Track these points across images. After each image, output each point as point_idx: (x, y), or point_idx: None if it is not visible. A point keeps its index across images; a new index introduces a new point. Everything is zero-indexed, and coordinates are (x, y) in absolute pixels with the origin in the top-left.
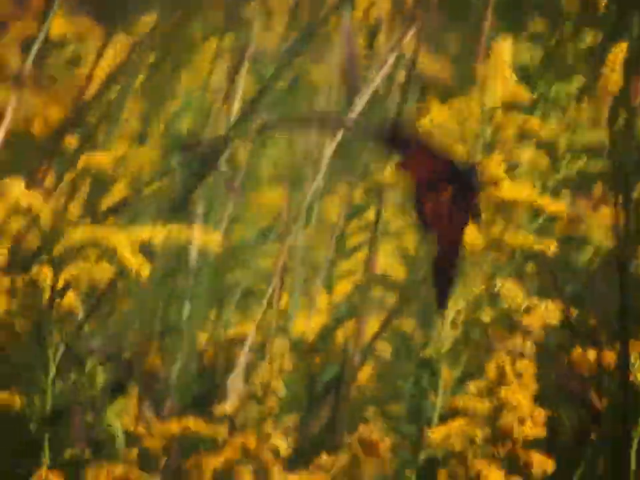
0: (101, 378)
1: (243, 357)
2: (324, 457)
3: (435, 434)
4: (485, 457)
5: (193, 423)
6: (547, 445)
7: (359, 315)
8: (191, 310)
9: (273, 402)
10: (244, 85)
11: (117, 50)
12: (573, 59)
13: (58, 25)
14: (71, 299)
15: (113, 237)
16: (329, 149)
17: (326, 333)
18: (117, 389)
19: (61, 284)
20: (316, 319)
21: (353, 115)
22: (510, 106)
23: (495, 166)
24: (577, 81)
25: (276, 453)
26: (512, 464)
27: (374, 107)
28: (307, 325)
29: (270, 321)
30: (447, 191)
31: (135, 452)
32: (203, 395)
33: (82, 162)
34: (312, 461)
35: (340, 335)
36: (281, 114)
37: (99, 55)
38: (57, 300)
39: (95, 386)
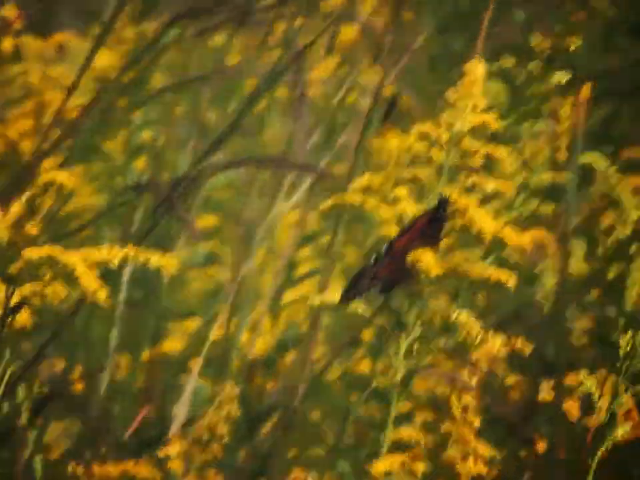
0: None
1: (189, 384)
2: None
3: (376, 468)
4: None
5: (132, 467)
6: None
7: (307, 343)
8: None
9: (218, 448)
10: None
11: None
12: (539, 99)
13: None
14: (24, 317)
15: (71, 258)
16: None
17: (270, 359)
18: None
19: (14, 301)
20: (260, 345)
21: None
22: (478, 132)
23: (460, 193)
24: (541, 122)
25: None
26: None
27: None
28: (252, 350)
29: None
30: (417, 228)
31: None
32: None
33: (42, 179)
34: None
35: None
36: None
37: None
38: (10, 317)
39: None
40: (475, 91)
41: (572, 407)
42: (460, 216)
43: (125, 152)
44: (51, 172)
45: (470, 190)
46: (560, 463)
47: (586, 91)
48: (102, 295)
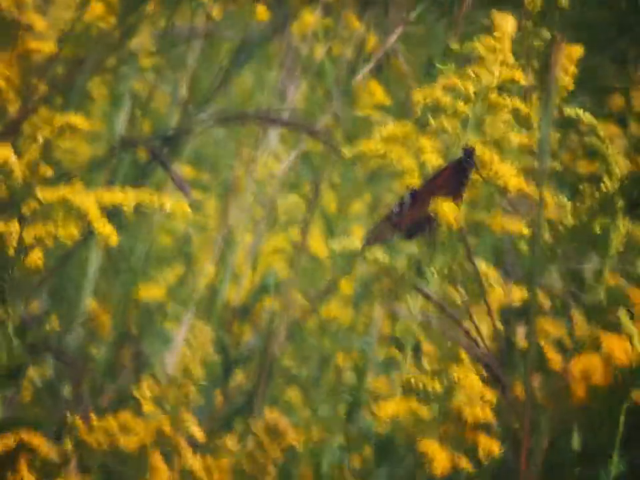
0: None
1: (179, 334)
2: (229, 441)
3: (383, 411)
4: (432, 437)
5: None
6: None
7: (286, 290)
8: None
9: (191, 388)
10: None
11: None
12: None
13: None
14: (35, 256)
15: (85, 200)
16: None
17: (249, 305)
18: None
19: (28, 241)
20: (240, 291)
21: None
22: (504, 87)
23: (485, 147)
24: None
25: (190, 438)
26: (459, 445)
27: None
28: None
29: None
30: (442, 178)
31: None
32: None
33: (57, 121)
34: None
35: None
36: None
37: None
38: (22, 256)
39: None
40: (504, 46)
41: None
42: (484, 169)
43: (111, 104)
44: (67, 114)
45: (495, 144)
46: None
47: (565, 45)
48: (114, 238)
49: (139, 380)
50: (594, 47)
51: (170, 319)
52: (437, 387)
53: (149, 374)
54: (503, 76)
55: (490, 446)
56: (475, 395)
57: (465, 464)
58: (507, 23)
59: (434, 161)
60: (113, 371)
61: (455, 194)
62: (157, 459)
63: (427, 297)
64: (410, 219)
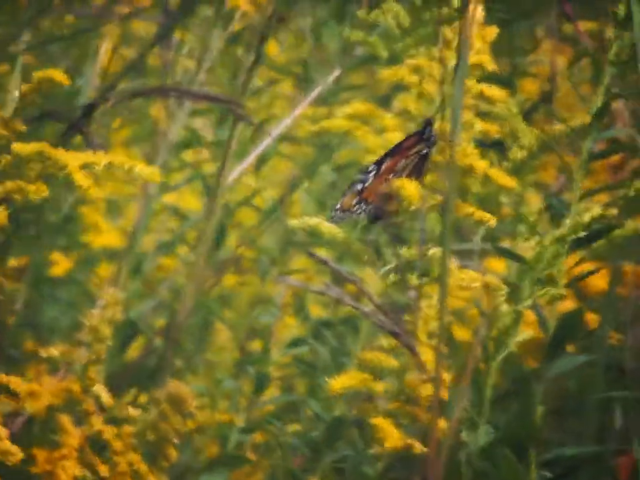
0: None
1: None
2: (132, 410)
3: (336, 384)
4: (385, 414)
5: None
6: None
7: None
8: None
9: (101, 349)
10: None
11: None
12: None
13: None
14: (2, 214)
15: (62, 155)
16: None
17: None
18: None
19: None
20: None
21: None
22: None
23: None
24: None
25: (98, 400)
26: (412, 425)
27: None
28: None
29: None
30: (404, 149)
31: None
32: None
33: (37, 75)
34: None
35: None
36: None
37: None
38: None
39: None
40: (472, 32)
41: None
42: (449, 150)
43: None
44: (48, 70)
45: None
46: None
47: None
48: (95, 192)
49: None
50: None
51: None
52: (392, 363)
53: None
54: (470, 60)
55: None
56: (429, 374)
57: (416, 443)
58: (475, 10)
59: (398, 139)
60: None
61: (417, 174)
62: (65, 421)
63: (323, 262)
64: (375, 195)
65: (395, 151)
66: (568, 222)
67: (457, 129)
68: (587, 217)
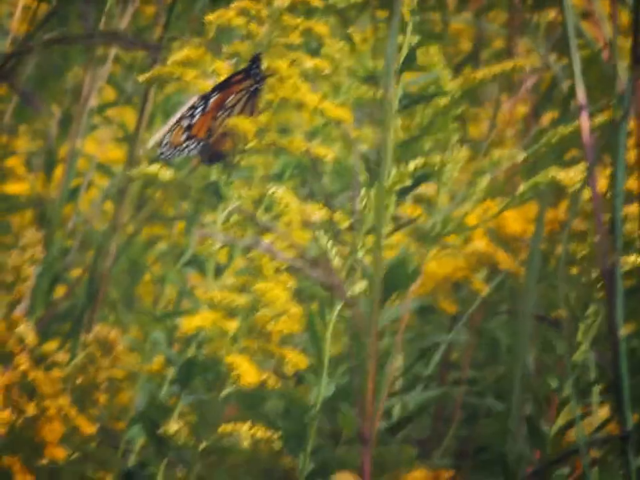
0: None
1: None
2: (60, 355)
3: (187, 325)
4: (239, 351)
5: None
6: None
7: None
8: None
9: (23, 289)
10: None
11: None
12: None
13: None
14: None
15: None
16: None
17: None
18: None
19: None
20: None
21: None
22: (296, 8)
23: (280, 62)
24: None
25: (22, 341)
26: (266, 360)
27: None
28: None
29: None
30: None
31: None
32: None
33: None
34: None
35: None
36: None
37: None
38: None
39: None
40: None
41: None
42: (280, 85)
43: None
44: None
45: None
46: None
47: None
48: None
49: None
50: None
51: None
52: (241, 301)
53: None
54: None
55: (297, 360)
56: (279, 309)
57: (271, 378)
58: None
59: None
60: None
61: (250, 111)
62: None
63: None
64: (205, 129)
65: (223, 86)
66: (393, 173)
67: (389, 81)
68: (411, 166)
